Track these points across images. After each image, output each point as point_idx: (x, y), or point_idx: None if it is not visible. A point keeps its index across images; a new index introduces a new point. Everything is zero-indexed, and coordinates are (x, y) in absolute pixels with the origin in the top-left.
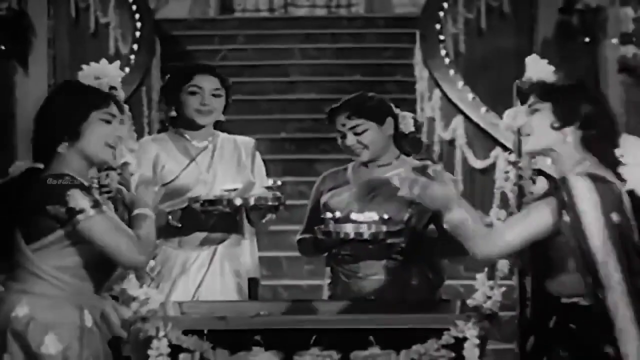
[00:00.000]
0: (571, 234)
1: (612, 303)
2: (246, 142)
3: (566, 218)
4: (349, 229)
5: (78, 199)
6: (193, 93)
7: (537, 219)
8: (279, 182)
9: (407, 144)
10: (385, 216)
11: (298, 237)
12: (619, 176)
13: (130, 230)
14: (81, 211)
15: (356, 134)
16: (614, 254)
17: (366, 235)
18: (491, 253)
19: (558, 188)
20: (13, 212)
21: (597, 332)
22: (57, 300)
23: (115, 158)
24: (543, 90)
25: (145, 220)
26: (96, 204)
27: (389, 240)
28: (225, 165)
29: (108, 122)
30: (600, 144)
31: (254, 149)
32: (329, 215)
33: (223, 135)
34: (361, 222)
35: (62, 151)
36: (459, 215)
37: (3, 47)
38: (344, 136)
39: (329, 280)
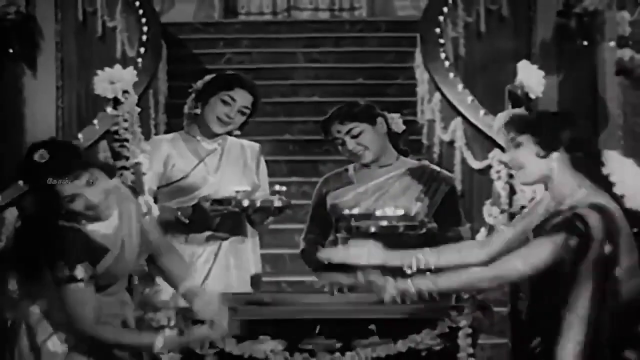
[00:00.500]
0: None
1: None
2: (252, 146)
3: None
4: (370, 224)
5: (81, 272)
6: (225, 102)
7: (538, 255)
8: (284, 188)
9: (402, 143)
10: (402, 212)
11: (301, 243)
12: (615, 198)
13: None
14: (78, 281)
15: (354, 137)
16: None
17: (386, 229)
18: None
19: (572, 220)
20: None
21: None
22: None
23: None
24: (520, 124)
25: (144, 340)
26: (91, 277)
27: (409, 232)
28: (232, 167)
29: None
30: (588, 164)
31: (259, 153)
32: (346, 212)
33: (231, 139)
34: (380, 217)
35: None
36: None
37: (11, 50)
38: (343, 142)
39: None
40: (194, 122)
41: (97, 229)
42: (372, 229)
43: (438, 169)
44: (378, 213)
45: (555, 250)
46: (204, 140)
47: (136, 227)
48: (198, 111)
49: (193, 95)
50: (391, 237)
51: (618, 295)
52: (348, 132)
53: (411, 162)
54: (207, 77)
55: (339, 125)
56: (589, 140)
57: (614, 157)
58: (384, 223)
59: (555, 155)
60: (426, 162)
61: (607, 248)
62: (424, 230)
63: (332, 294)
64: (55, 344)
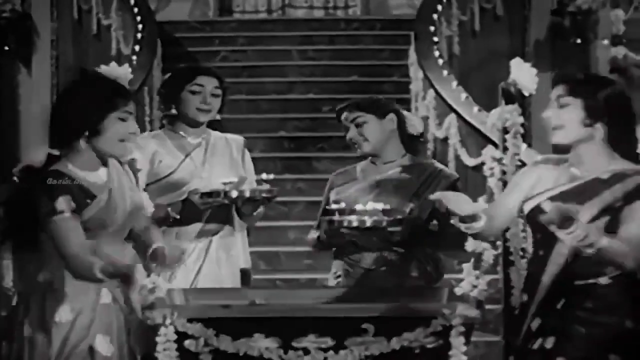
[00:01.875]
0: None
1: None
2: (236, 139)
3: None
4: (352, 218)
5: (63, 203)
6: (195, 92)
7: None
8: (271, 176)
9: (414, 146)
10: (387, 207)
11: (312, 233)
12: None
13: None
14: (60, 212)
15: (357, 126)
16: None
17: (368, 224)
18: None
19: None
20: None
21: (618, 308)
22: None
23: (127, 152)
24: (574, 85)
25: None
26: (76, 211)
27: (390, 229)
28: (219, 160)
29: (124, 120)
30: (623, 140)
31: (244, 146)
32: (334, 206)
33: (215, 133)
34: (363, 212)
35: (79, 144)
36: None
37: (7, 48)
38: (347, 130)
39: (334, 270)
40: (175, 121)
41: (83, 176)
42: (354, 224)
43: (441, 167)
44: (358, 207)
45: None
46: (188, 136)
47: (128, 186)
48: (174, 111)
49: (161, 98)
50: (375, 232)
51: None
52: (353, 120)
53: (417, 160)
54: (165, 78)
55: (347, 113)
56: (633, 117)
57: None
58: (365, 218)
59: (598, 125)
60: (431, 161)
61: None
62: (402, 227)
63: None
64: (62, 314)
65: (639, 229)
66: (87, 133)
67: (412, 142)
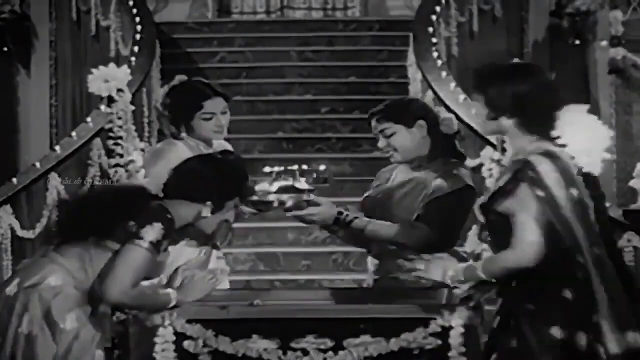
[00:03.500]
0: (545, 208)
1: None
2: (224, 146)
3: (539, 193)
4: (272, 197)
5: (152, 233)
6: (207, 119)
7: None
8: (322, 166)
9: (450, 145)
10: (306, 186)
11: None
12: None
13: (140, 278)
14: (142, 239)
15: (386, 137)
16: (579, 226)
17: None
18: (528, 259)
19: (523, 169)
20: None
21: (557, 282)
22: (83, 283)
23: None
24: (475, 80)
25: (162, 298)
26: (155, 245)
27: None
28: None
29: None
30: (538, 124)
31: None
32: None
33: (217, 142)
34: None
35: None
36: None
37: (6, 49)
38: (378, 139)
39: (373, 269)
40: (191, 131)
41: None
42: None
43: (456, 171)
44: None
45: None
46: (200, 144)
47: None
48: (184, 135)
49: (168, 118)
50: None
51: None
52: (382, 130)
53: (441, 165)
54: (165, 100)
55: (375, 122)
56: (546, 101)
57: (571, 116)
58: (284, 197)
59: (503, 119)
60: (458, 169)
61: (574, 192)
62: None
63: None
64: (68, 321)
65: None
66: None
67: (448, 142)
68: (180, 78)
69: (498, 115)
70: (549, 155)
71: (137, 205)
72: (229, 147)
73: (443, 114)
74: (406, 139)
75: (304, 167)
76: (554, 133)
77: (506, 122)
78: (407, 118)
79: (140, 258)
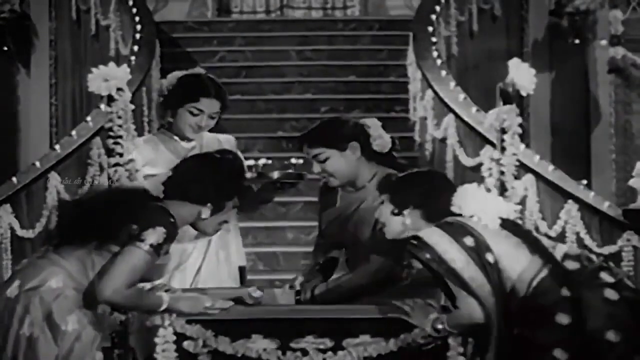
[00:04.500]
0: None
1: None
2: (228, 139)
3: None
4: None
5: (154, 236)
6: (193, 114)
7: None
8: (301, 161)
9: (388, 160)
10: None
11: None
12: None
13: (137, 280)
14: (143, 241)
15: (320, 162)
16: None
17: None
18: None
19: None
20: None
21: None
22: (84, 285)
23: None
24: (382, 186)
25: (155, 300)
26: (156, 248)
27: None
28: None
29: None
30: (439, 212)
31: (236, 145)
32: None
33: (206, 135)
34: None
35: None
36: None
37: (6, 48)
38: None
39: None
40: (172, 125)
41: None
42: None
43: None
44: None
45: None
46: (182, 140)
47: None
48: (170, 120)
49: (161, 101)
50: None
51: None
52: (315, 156)
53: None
54: (172, 81)
55: (307, 148)
56: (442, 193)
57: (465, 194)
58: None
59: (406, 212)
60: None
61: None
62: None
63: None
64: (70, 323)
65: None
66: None
67: (385, 157)
68: (199, 70)
69: (402, 209)
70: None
71: (139, 208)
72: (233, 140)
73: (374, 132)
74: (341, 163)
75: (292, 161)
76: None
77: (409, 215)
78: (338, 141)
79: (138, 259)
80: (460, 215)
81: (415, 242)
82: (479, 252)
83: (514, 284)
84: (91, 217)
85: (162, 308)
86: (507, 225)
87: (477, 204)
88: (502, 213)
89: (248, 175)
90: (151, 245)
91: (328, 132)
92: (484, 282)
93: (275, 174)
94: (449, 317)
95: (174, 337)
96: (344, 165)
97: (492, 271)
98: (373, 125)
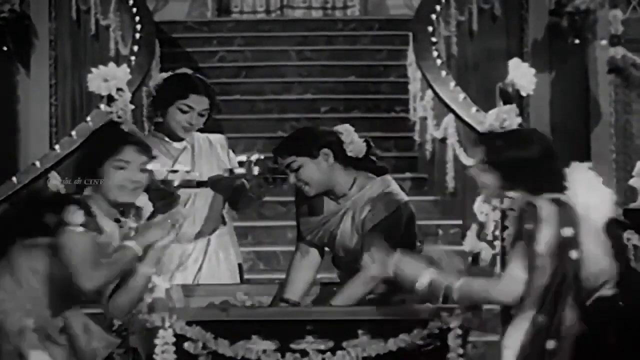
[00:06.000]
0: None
1: None
2: (219, 138)
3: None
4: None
5: (74, 214)
6: (183, 111)
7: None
8: (254, 156)
9: (367, 164)
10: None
11: None
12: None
13: (97, 258)
14: (69, 224)
15: (293, 171)
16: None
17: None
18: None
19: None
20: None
21: None
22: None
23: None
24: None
25: (125, 253)
26: (87, 226)
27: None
28: (206, 161)
29: (121, 168)
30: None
31: (226, 143)
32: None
33: (197, 134)
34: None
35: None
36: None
37: (5, 49)
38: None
39: None
40: (161, 125)
41: None
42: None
43: (388, 190)
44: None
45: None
46: (173, 141)
47: None
48: (160, 119)
49: (150, 101)
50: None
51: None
52: (287, 165)
53: (368, 187)
54: (159, 81)
55: (279, 158)
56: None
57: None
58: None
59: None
60: (381, 182)
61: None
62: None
63: None
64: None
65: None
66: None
67: (362, 162)
68: (185, 70)
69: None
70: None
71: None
72: (224, 139)
73: (346, 137)
74: (313, 171)
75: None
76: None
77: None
78: (309, 148)
79: (82, 242)
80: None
81: (526, 208)
82: (568, 246)
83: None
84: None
85: (139, 254)
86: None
87: (593, 193)
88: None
89: (237, 170)
90: (81, 225)
91: (298, 141)
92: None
93: (256, 169)
94: (480, 283)
95: (174, 339)
96: (316, 173)
97: (570, 266)
98: (345, 131)
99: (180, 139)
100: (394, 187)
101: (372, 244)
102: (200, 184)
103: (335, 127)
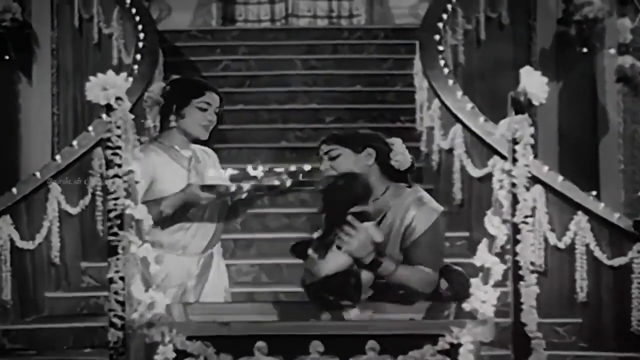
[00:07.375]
0: None
1: None
2: (211, 152)
3: None
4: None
5: None
6: (202, 109)
7: None
8: (260, 168)
9: (403, 179)
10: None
11: None
12: None
13: None
14: None
15: (330, 159)
16: None
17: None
18: None
19: None
20: None
21: None
22: None
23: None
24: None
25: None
26: None
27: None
28: (207, 172)
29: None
30: None
31: (217, 158)
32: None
33: (194, 146)
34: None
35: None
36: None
37: (7, 57)
38: (321, 161)
39: None
40: (168, 133)
41: None
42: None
43: (419, 196)
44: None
45: None
46: (181, 149)
47: None
48: (174, 124)
49: (161, 109)
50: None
51: None
52: (327, 152)
53: (405, 194)
54: (161, 89)
55: (323, 145)
56: None
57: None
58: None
59: None
60: (415, 191)
61: None
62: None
63: None
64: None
65: None
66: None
67: (399, 175)
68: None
69: None
70: None
71: None
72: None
73: (397, 148)
74: (350, 163)
75: (292, 168)
76: None
77: None
78: (356, 143)
79: None
80: None
81: None
82: None
83: None
84: None
85: None
86: None
87: None
88: None
89: (264, 181)
90: None
91: (348, 134)
92: None
93: (232, 187)
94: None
95: (174, 355)
96: (352, 165)
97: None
98: (397, 143)
99: (183, 145)
100: (428, 196)
101: (418, 254)
102: (270, 189)
103: (389, 139)
